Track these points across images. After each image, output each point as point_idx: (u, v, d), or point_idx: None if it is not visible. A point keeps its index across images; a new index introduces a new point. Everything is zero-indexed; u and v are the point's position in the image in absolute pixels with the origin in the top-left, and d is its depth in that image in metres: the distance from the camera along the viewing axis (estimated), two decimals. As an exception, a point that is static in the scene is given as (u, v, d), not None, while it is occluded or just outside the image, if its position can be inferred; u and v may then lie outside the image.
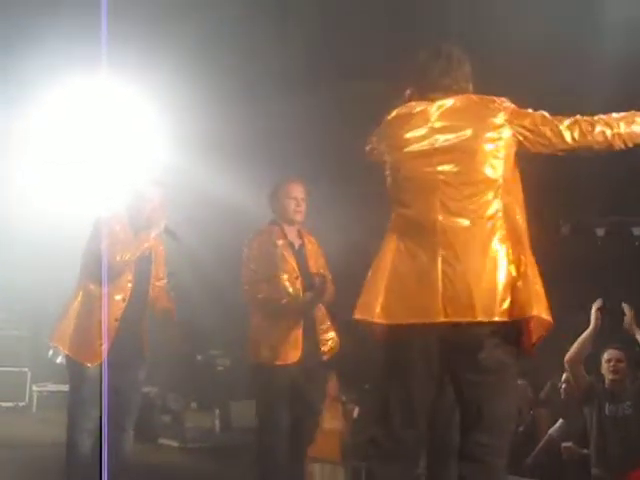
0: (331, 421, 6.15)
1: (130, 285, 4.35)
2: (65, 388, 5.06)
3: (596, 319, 5.17)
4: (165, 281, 4.67)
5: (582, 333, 5.30)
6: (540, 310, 2.78)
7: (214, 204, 7.60)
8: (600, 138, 2.91)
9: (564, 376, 5.68)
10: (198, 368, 9.64)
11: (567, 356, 5.31)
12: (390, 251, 2.97)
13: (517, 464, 5.69)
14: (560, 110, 3.00)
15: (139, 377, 4.53)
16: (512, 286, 2.79)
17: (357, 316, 2.99)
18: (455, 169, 2.92)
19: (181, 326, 8.95)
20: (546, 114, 2.98)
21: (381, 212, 3.20)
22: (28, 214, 8.07)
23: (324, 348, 4.72)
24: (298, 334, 4.56)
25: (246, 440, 5.48)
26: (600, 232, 9.13)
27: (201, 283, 7.72)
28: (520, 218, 2.92)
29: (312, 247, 4.82)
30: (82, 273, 4.42)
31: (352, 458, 5.87)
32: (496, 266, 2.80)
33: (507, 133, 2.93)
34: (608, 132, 2.90)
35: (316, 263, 4.77)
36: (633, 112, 2.97)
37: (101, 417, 4.09)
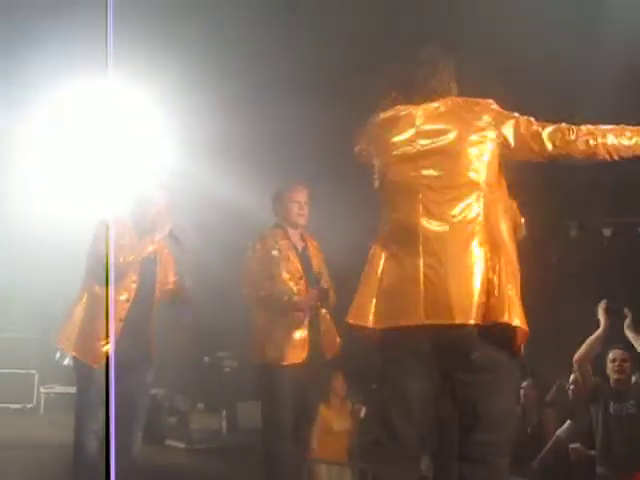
0: (338, 422, 6.15)
1: (134, 286, 4.35)
2: (72, 390, 5.07)
3: (605, 320, 5.21)
4: (174, 279, 4.68)
5: (588, 334, 5.32)
6: (511, 317, 2.77)
7: (221, 207, 7.60)
8: (582, 147, 2.91)
9: (572, 377, 5.69)
10: (205, 370, 9.66)
11: (576, 355, 5.34)
12: (379, 256, 3.00)
13: (525, 466, 5.69)
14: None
15: (147, 380, 4.53)
16: (488, 290, 2.80)
17: (350, 321, 3.04)
18: (438, 173, 2.94)
19: (188, 328, 9.01)
20: (532, 119, 2.98)
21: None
22: (32, 217, 8.08)
23: (328, 349, 4.75)
24: (303, 334, 4.60)
25: (253, 441, 5.49)
26: (607, 232, 9.13)
27: (208, 285, 7.72)
28: (503, 223, 2.93)
29: (315, 250, 4.88)
30: (87, 275, 4.43)
31: (359, 459, 5.87)
32: (474, 270, 2.82)
33: (491, 136, 2.95)
34: (591, 141, 2.90)
35: (319, 266, 4.82)
36: (623, 126, 2.95)
37: (107, 418, 4.10)
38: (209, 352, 9.71)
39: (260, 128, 7.15)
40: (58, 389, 9.51)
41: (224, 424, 8.67)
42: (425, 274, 2.85)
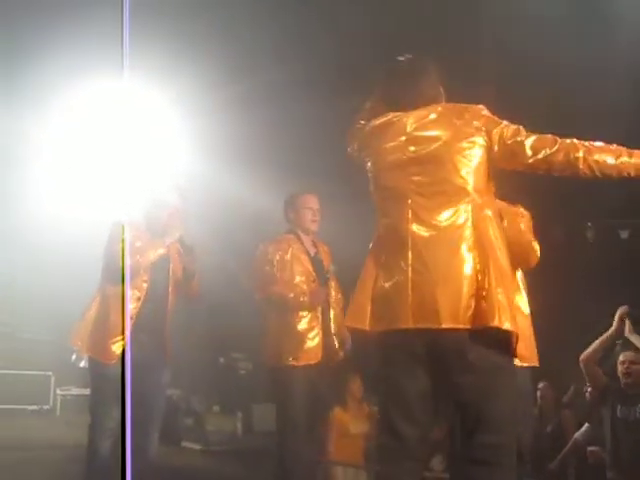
0: (355, 424, 6.12)
1: (145, 285, 4.39)
2: (88, 392, 5.08)
3: (618, 324, 5.10)
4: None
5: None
6: (502, 320, 2.78)
7: (237, 209, 7.61)
8: (561, 158, 2.90)
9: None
10: (221, 371, 9.68)
11: (582, 355, 5.26)
12: (373, 260, 3.06)
13: (544, 467, 5.66)
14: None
15: (162, 380, 4.54)
16: (477, 295, 2.81)
17: (348, 323, 3.13)
18: (427, 179, 2.98)
19: (203, 328, 9.02)
20: (520, 128, 2.99)
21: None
22: (47, 219, 8.12)
23: (339, 349, 4.78)
24: (315, 335, 4.65)
25: (268, 443, 5.48)
26: (624, 234, 9.09)
27: (223, 287, 7.73)
28: (492, 227, 2.94)
29: (326, 256, 4.96)
30: (102, 276, 4.48)
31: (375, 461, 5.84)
32: (462, 275, 2.84)
33: (480, 142, 2.97)
34: (572, 155, 2.89)
35: (329, 271, 4.89)
36: (617, 146, 2.93)
37: (123, 417, 4.10)
38: (224, 353, 9.73)
39: (277, 128, 7.14)
40: (74, 391, 9.54)
41: (239, 426, 8.67)
42: (413, 279, 2.88)
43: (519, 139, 2.94)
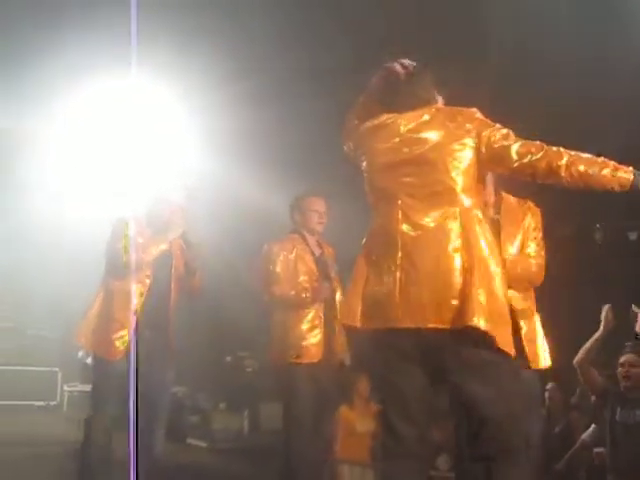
0: (362, 423, 6.11)
1: (148, 281, 4.40)
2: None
3: (606, 322, 4.95)
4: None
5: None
6: (479, 321, 2.80)
7: (244, 206, 7.60)
8: (543, 165, 2.91)
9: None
10: (227, 369, 9.68)
11: (575, 358, 5.15)
12: (364, 259, 3.08)
13: (551, 468, 5.64)
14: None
15: (167, 378, 4.55)
16: (460, 295, 2.84)
17: (341, 321, 3.26)
18: (418, 180, 3.02)
19: (211, 327, 9.02)
20: (510, 133, 3.01)
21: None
22: (53, 216, 8.13)
23: (342, 348, 4.80)
24: (318, 333, 4.67)
25: (274, 442, 5.48)
26: (632, 236, 9.07)
27: (230, 286, 7.72)
28: (480, 229, 2.96)
29: (331, 258, 4.98)
30: (105, 271, 4.49)
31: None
32: (447, 275, 2.88)
33: (470, 143, 3.00)
34: (555, 162, 2.90)
35: (334, 271, 4.91)
36: (603, 159, 2.92)
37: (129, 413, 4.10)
38: (231, 352, 9.73)
39: (286, 125, 7.10)
40: (81, 387, 9.55)
41: (246, 424, 8.67)
42: (401, 279, 2.92)
43: (506, 143, 2.97)
